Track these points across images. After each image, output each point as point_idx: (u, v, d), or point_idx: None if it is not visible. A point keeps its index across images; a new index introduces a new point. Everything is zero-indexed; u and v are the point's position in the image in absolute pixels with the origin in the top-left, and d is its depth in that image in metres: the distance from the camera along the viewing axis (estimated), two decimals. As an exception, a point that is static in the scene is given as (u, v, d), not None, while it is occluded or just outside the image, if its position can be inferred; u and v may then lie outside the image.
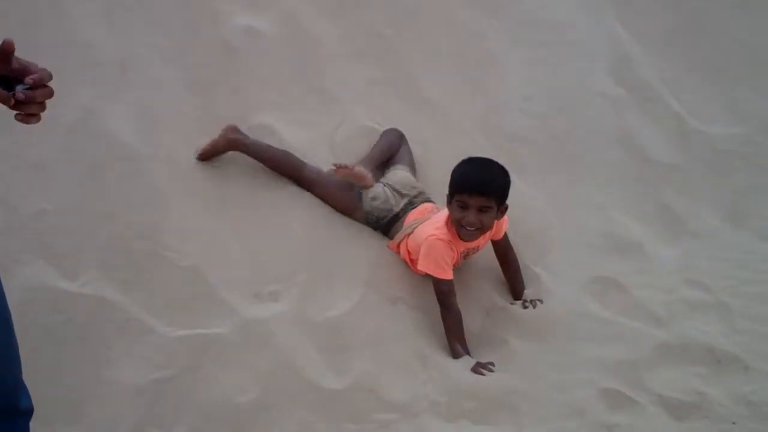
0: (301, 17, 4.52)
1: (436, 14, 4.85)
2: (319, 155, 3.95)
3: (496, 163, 3.47)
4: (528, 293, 3.69)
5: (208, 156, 3.77)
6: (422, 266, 3.48)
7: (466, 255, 3.60)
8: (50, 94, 1.66)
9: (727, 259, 3.98)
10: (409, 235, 3.64)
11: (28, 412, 2.08)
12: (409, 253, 3.64)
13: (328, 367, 3.14)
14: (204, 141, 3.76)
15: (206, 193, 3.67)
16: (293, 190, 3.81)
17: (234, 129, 3.80)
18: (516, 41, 4.91)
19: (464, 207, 3.36)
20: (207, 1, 4.38)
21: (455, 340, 3.38)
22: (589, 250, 4.02)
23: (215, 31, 4.29)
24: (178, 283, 3.30)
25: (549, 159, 4.45)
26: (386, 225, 3.76)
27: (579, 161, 4.50)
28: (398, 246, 3.70)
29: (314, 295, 3.40)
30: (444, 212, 3.55)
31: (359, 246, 3.68)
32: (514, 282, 3.75)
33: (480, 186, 3.35)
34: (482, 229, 3.41)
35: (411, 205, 3.77)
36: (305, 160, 3.87)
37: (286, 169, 3.84)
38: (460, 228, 3.41)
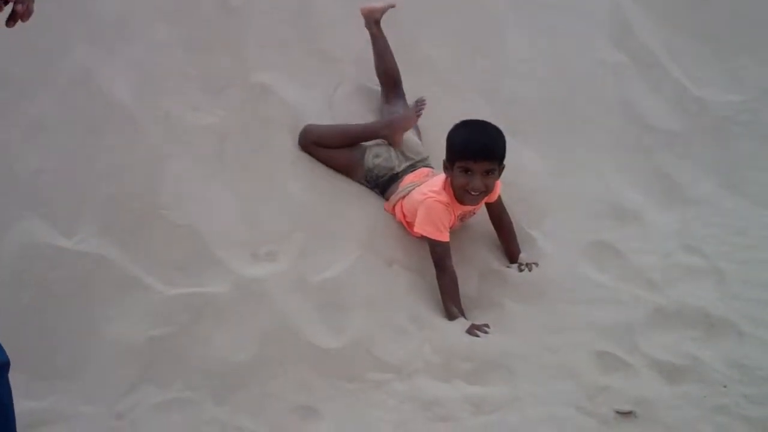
0: (300, -23, 4.49)
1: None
2: (318, 115, 3.94)
3: (491, 125, 3.49)
4: (524, 256, 3.70)
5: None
6: (419, 228, 3.49)
7: (462, 218, 3.61)
8: None
9: (724, 225, 3.99)
10: (404, 197, 3.65)
11: (5, 365, 2.07)
12: (404, 215, 3.65)
13: (324, 326, 3.16)
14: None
15: (204, 153, 3.66)
16: (292, 152, 3.81)
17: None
18: (517, 5, 4.89)
19: (468, 172, 3.36)
20: (206, -41, 4.35)
21: (450, 302, 3.39)
22: (586, 215, 4.02)
23: (214, -10, 4.25)
24: (176, 242, 3.31)
25: (548, 124, 4.45)
26: (385, 183, 3.77)
27: (578, 127, 4.50)
28: (393, 208, 3.71)
29: (311, 256, 3.41)
30: (441, 176, 3.56)
31: (357, 207, 3.68)
32: (509, 245, 3.76)
33: (485, 151, 3.37)
34: (486, 192, 3.43)
35: (412, 168, 3.78)
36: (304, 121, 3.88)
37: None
38: (464, 193, 3.42)
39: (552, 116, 4.48)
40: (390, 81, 4.14)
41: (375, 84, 4.21)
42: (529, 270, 3.61)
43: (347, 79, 4.18)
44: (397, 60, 4.19)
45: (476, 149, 3.36)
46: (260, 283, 3.22)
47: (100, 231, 3.25)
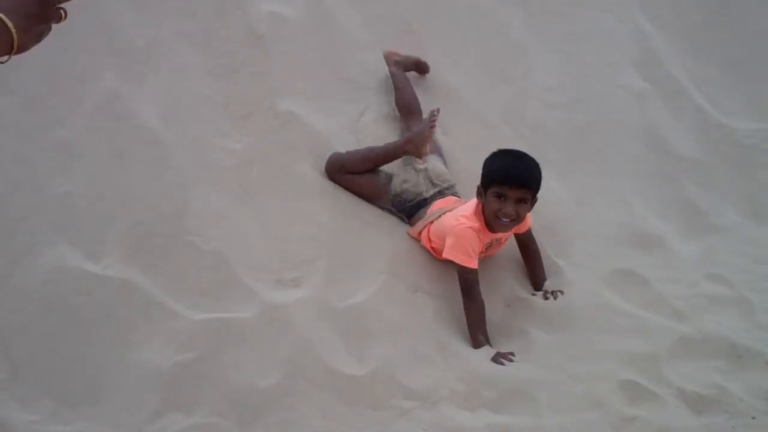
0: (327, 4, 4.53)
1: (462, 3, 4.84)
2: (343, 142, 3.95)
3: (530, 156, 3.50)
4: (549, 284, 3.69)
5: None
6: (448, 254, 3.48)
7: (488, 247, 3.60)
8: None
9: (749, 254, 3.96)
10: (432, 222, 3.65)
11: None
12: (430, 240, 3.65)
13: (348, 353, 3.16)
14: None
15: (230, 178, 3.69)
16: (316, 177, 3.83)
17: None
18: (541, 32, 4.90)
19: (502, 198, 3.37)
20: (233, -14, 4.40)
21: (477, 330, 3.39)
22: (610, 242, 4.02)
23: (241, 16, 4.30)
24: (202, 267, 3.32)
25: (572, 151, 4.45)
26: (412, 208, 3.78)
27: (602, 154, 4.50)
28: (419, 233, 3.71)
29: (336, 282, 3.42)
30: (472, 202, 3.56)
31: (382, 233, 3.69)
32: (535, 273, 3.75)
33: (522, 178, 3.39)
34: (517, 220, 3.44)
35: (440, 195, 3.79)
36: (329, 148, 3.90)
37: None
38: (495, 219, 3.42)
39: (576, 143, 4.48)
40: (409, 112, 4.16)
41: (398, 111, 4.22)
42: (555, 298, 3.60)
43: (372, 106, 4.20)
44: (420, 87, 4.22)
45: (514, 175, 3.38)
46: (285, 309, 3.23)
47: (126, 256, 3.27)
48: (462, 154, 4.12)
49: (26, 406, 2.77)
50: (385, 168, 3.87)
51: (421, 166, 3.82)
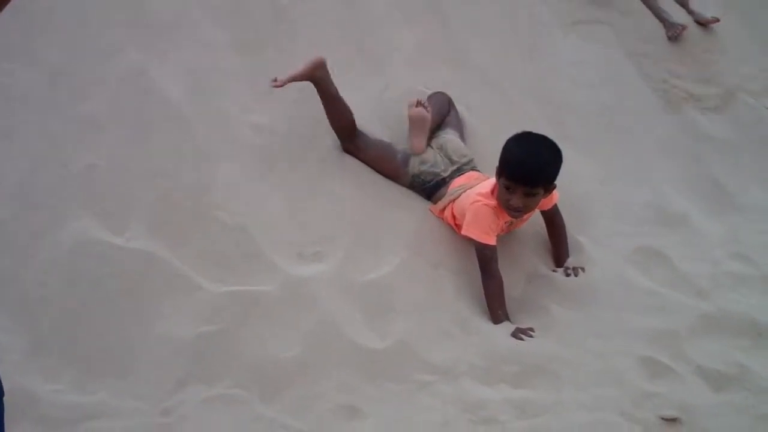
0: (352, -22, 4.52)
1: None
2: (365, 117, 3.94)
3: (550, 144, 3.40)
4: (570, 261, 3.69)
5: (285, 83, 3.76)
6: (466, 231, 3.49)
7: (510, 225, 3.60)
8: None
9: (774, 233, 3.96)
10: (454, 200, 3.64)
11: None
12: (454, 217, 3.65)
13: (369, 327, 3.18)
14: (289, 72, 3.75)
15: (254, 153, 3.70)
16: (340, 154, 3.84)
17: (322, 65, 3.78)
18: (569, 8, 4.89)
19: (510, 189, 3.35)
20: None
21: (496, 306, 3.39)
22: (633, 220, 4.01)
23: (266, -10, 4.29)
24: (225, 241, 3.34)
25: (598, 128, 4.44)
26: (431, 188, 3.77)
27: (627, 132, 4.49)
28: (442, 211, 3.71)
29: (357, 257, 3.43)
30: (491, 180, 3.54)
31: (403, 209, 3.69)
32: (558, 249, 3.75)
33: (530, 177, 3.32)
34: (527, 211, 3.44)
35: (459, 171, 3.78)
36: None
37: (342, 124, 3.84)
38: (505, 208, 3.42)
39: (602, 121, 4.46)
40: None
41: (424, 87, 4.21)
42: (576, 275, 3.60)
43: (395, 82, 4.19)
44: (446, 64, 4.21)
45: (523, 172, 3.32)
46: (307, 283, 3.25)
47: (150, 229, 3.29)
48: (486, 131, 4.11)
49: (50, 376, 2.80)
50: (404, 147, 3.85)
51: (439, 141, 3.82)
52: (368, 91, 4.14)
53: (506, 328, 3.31)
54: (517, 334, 3.26)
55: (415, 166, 3.79)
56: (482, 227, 3.44)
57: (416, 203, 3.75)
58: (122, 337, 2.98)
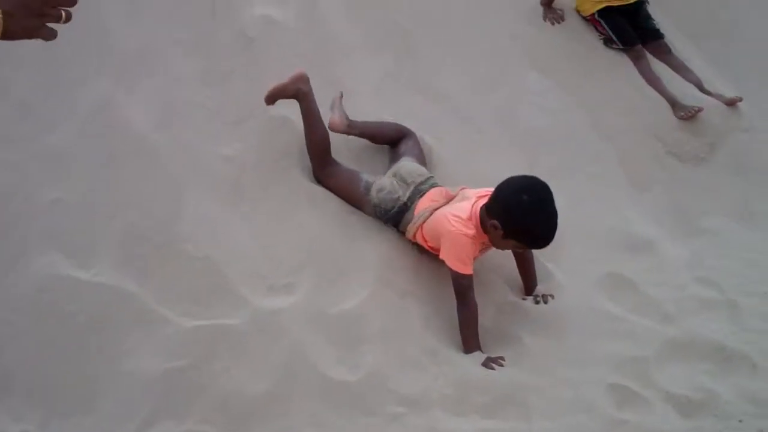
0: (319, 8, 4.53)
1: (454, 9, 4.86)
2: (333, 148, 3.90)
3: (552, 195, 3.34)
4: (540, 288, 3.70)
5: (274, 99, 3.78)
6: (445, 258, 3.44)
7: (483, 249, 3.58)
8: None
9: (739, 257, 4.00)
10: (423, 223, 3.57)
11: None
12: (425, 240, 3.60)
13: (339, 359, 3.17)
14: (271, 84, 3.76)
15: (222, 184, 3.69)
16: (308, 184, 3.81)
17: (305, 80, 3.79)
18: (532, 38, 4.94)
19: (518, 247, 3.40)
20: (226, -9, 4.41)
21: (469, 335, 3.39)
22: (601, 246, 4.04)
23: (233, 21, 4.30)
24: (193, 274, 3.33)
25: (564, 155, 4.47)
26: (395, 215, 3.69)
27: (594, 158, 4.52)
28: (414, 237, 3.65)
29: (326, 289, 3.42)
30: (467, 203, 3.49)
31: (371, 239, 3.68)
32: (527, 277, 3.74)
33: (548, 243, 3.33)
34: None
35: (418, 192, 3.69)
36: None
37: (320, 147, 3.84)
38: (496, 247, 3.46)
39: (568, 147, 4.50)
40: (393, 141, 4.06)
41: (391, 116, 4.20)
42: (545, 302, 3.62)
43: (364, 111, 4.19)
44: (412, 92, 4.23)
45: (544, 241, 3.32)
46: (276, 315, 3.24)
47: (118, 263, 3.27)
48: (454, 158, 4.12)
49: (18, 417, 2.78)
50: (367, 176, 3.81)
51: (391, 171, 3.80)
52: (337, 121, 4.12)
53: (477, 357, 3.31)
54: (488, 363, 3.26)
55: (374, 194, 3.72)
56: (460, 257, 3.40)
57: (384, 233, 3.73)
58: (90, 374, 2.96)
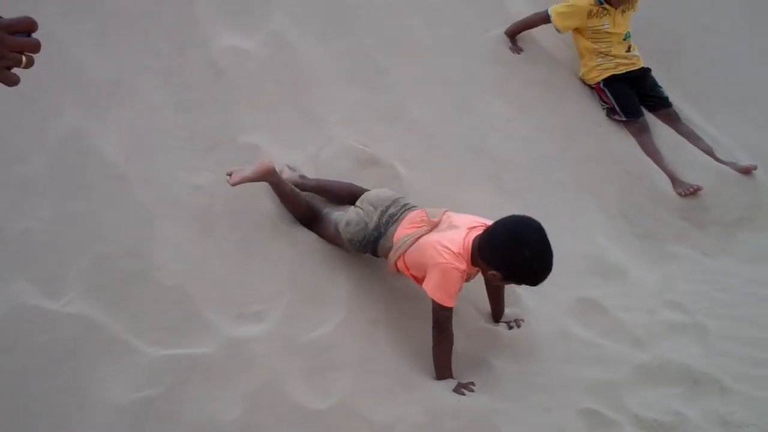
0: (288, 39, 4.57)
1: (425, 38, 4.91)
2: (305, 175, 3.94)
3: (546, 235, 3.31)
4: (509, 313, 3.72)
5: (237, 184, 3.69)
6: (431, 291, 3.33)
7: (467, 280, 3.51)
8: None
9: (708, 281, 4.04)
10: (405, 252, 3.47)
11: None
12: (407, 268, 3.49)
13: (311, 387, 3.16)
14: (238, 172, 3.69)
15: (193, 213, 3.69)
16: (278, 211, 3.80)
17: (270, 172, 3.70)
18: (505, 67, 5.00)
19: (514, 284, 3.42)
20: (196, 22, 4.43)
21: (443, 364, 3.37)
22: (572, 272, 4.04)
23: (203, 51, 4.33)
24: (164, 302, 3.31)
25: (534, 181, 4.50)
26: (372, 244, 3.60)
27: (563, 184, 4.56)
28: (395, 265, 3.54)
29: (297, 316, 3.41)
30: (459, 234, 3.38)
31: (341, 267, 3.68)
32: (495, 303, 3.73)
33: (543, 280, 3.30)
34: None
35: (390, 216, 3.59)
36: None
37: (304, 216, 3.82)
38: (487, 279, 3.48)
39: (538, 173, 4.54)
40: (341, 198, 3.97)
41: (362, 144, 4.23)
42: (518, 327, 3.63)
43: (334, 140, 4.21)
44: (384, 120, 4.25)
45: (540, 282, 3.29)
46: (247, 343, 3.23)
47: (87, 292, 3.25)
48: (424, 185, 4.13)
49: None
50: (335, 215, 3.75)
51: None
52: (307, 150, 4.15)
53: (448, 383, 3.31)
54: (459, 389, 3.26)
55: (343, 231, 3.64)
56: (449, 292, 3.32)
57: (353, 260, 3.74)
58: (60, 405, 2.92)
